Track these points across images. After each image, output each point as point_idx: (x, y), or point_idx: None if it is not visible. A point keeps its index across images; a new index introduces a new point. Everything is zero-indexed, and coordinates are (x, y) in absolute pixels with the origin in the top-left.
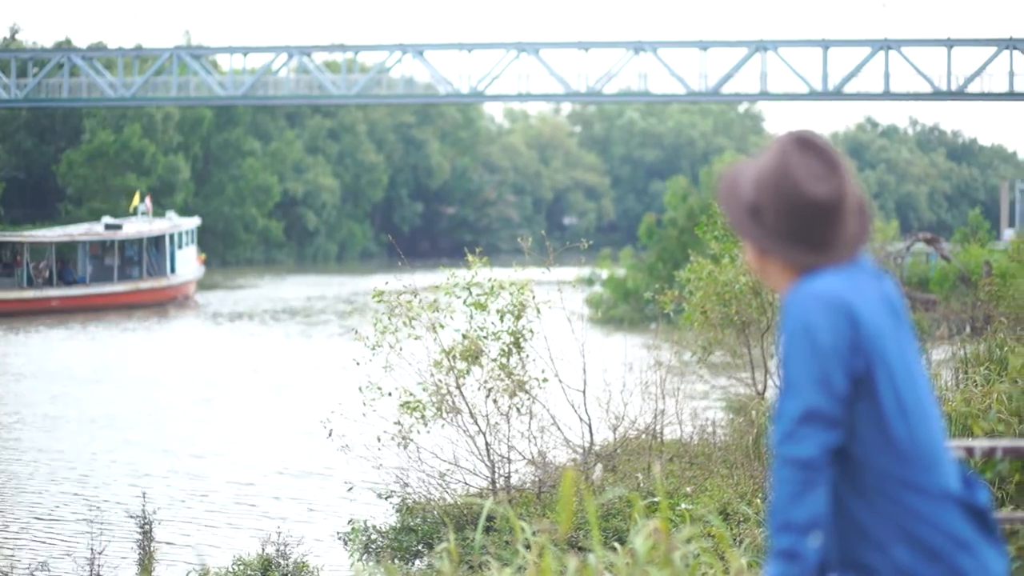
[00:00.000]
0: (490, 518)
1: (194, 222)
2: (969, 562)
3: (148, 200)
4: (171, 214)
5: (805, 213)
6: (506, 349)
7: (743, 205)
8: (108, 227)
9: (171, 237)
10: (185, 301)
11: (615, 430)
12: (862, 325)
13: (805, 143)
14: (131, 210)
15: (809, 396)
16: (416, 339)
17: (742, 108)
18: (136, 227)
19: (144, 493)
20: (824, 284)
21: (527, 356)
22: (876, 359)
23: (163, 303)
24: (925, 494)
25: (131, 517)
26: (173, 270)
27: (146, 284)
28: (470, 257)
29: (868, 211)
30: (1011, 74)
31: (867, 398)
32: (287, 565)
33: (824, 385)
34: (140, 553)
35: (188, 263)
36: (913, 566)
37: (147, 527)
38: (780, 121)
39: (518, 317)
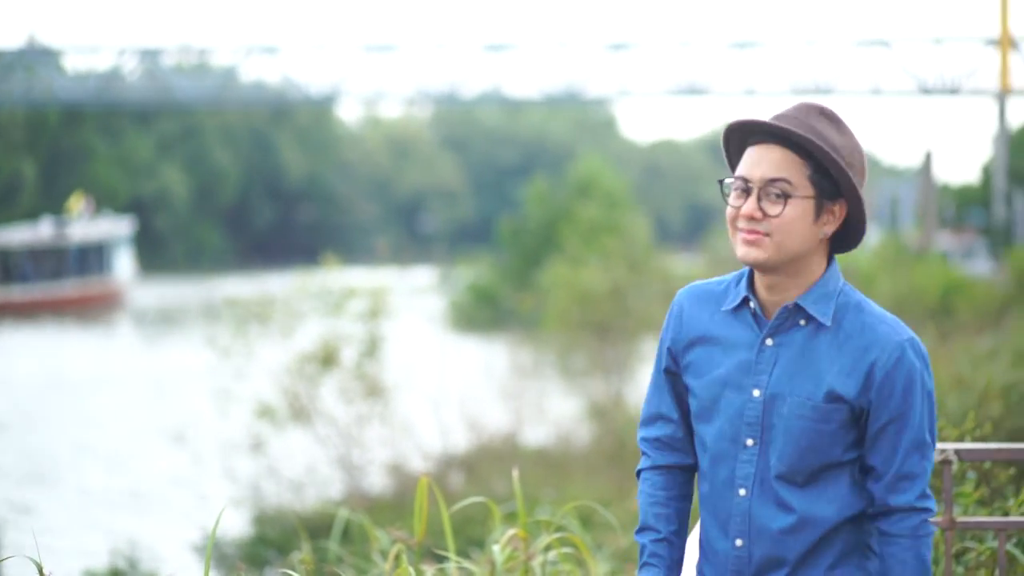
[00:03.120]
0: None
1: (130, 224)
2: None
3: (87, 202)
4: (107, 214)
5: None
6: (362, 351)
7: (845, 159)
8: (52, 230)
9: (111, 239)
10: (119, 302)
11: (472, 436)
12: None
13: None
14: (70, 212)
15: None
16: (269, 345)
17: (599, 110)
18: (78, 230)
19: None
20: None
21: (383, 360)
22: None
23: (102, 304)
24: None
25: None
26: (112, 271)
27: (86, 286)
28: (324, 260)
29: None
30: (876, 75)
31: None
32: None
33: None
34: None
35: (125, 264)
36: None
37: None
38: (636, 123)
39: (373, 317)
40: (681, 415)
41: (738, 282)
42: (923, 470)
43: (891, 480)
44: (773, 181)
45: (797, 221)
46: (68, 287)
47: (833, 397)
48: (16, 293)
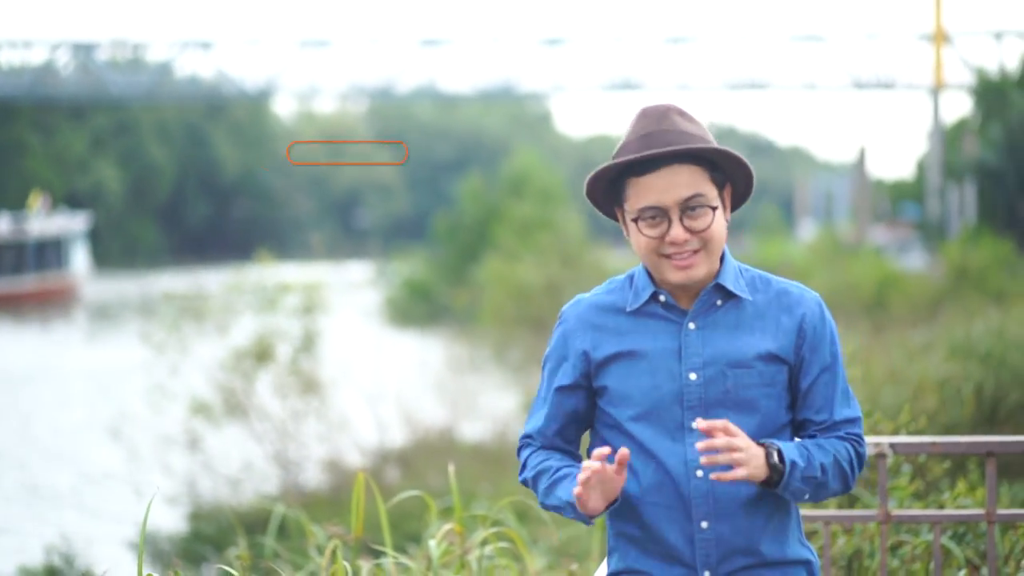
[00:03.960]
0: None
1: (84, 220)
2: None
3: (45, 199)
4: (62, 211)
5: None
6: (298, 347)
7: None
8: (11, 226)
9: (67, 235)
10: (75, 297)
11: (409, 431)
12: None
13: None
14: (30, 209)
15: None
16: (205, 341)
17: (534, 105)
18: (36, 226)
19: None
20: None
21: (319, 356)
22: None
23: (60, 299)
24: None
25: None
26: (69, 267)
27: (45, 281)
28: (258, 255)
29: None
30: (811, 70)
31: None
32: (74, 573)
33: None
34: None
35: (81, 260)
36: None
37: None
38: (571, 118)
39: (308, 313)
40: (572, 428)
41: (630, 283)
42: (856, 416)
43: (828, 427)
44: (690, 199)
45: (720, 224)
46: (27, 282)
47: (771, 358)
48: None
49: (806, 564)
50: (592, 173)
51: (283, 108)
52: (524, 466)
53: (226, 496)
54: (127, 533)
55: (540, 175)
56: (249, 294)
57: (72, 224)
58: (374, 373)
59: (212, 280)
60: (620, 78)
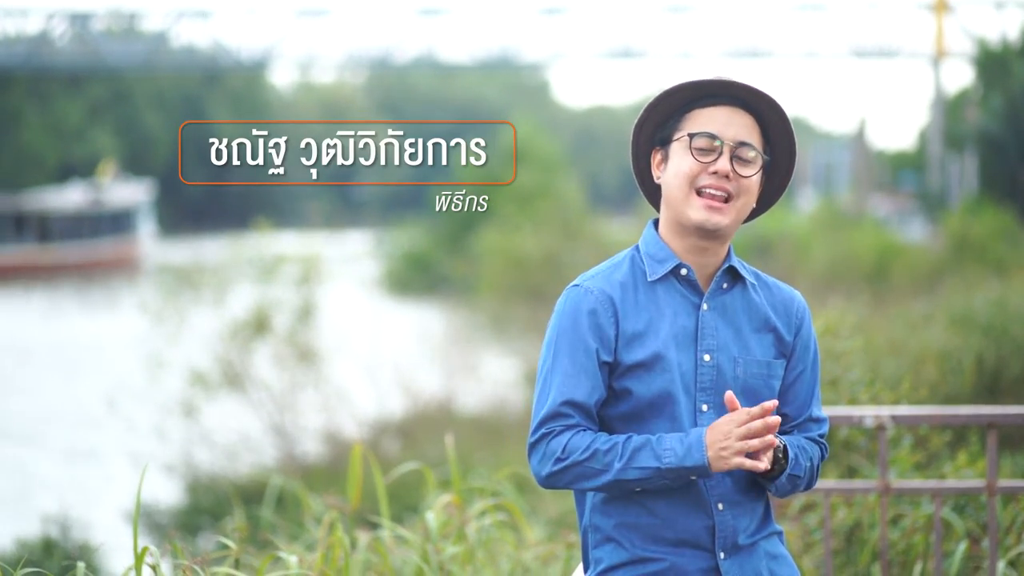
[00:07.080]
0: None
1: (150, 189)
2: None
3: (113, 167)
4: (129, 179)
5: None
6: (296, 317)
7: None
8: (88, 195)
9: (138, 203)
10: (143, 263)
11: (407, 402)
12: None
13: None
14: (101, 178)
15: None
16: (202, 310)
17: (533, 74)
18: (112, 194)
19: None
20: None
21: (317, 326)
22: None
23: (130, 266)
24: None
25: None
26: (138, 233)
27: (119, 247)
28: (256, 225)
29: None
30: (812, 38)
31: None
32: (70, 545)
33: None
34: None
35: (149, 227)
36: None
37: None
38: (570, 88)
39: (305, 281)
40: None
41: (635, 258)
42: (826, 418)
43: (802, 423)
44: (743, 144)
45: (756, 186)
46: (103, 249)
47: (778, 352)
48: (55, 254)
49: (779, 534)
50: (664, 89)
51: (281, 78)
52: (564, 451)
53: (223, 467)
54: (122, 504)
55: (539, 144)
56: (247, 264)
57: (140, 193)
58: (372, 344)
59: (210, 249)
60: (620, 47)
